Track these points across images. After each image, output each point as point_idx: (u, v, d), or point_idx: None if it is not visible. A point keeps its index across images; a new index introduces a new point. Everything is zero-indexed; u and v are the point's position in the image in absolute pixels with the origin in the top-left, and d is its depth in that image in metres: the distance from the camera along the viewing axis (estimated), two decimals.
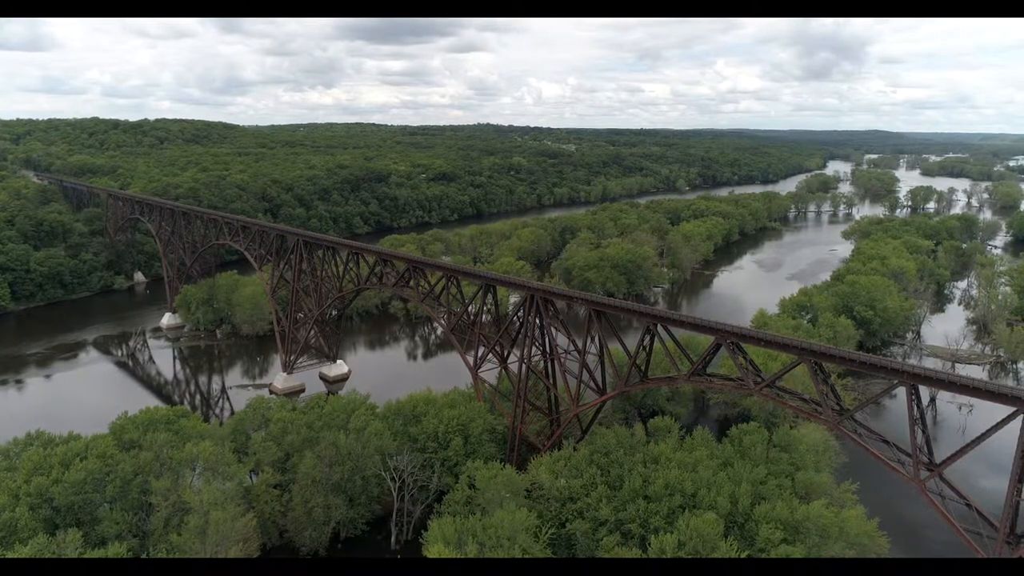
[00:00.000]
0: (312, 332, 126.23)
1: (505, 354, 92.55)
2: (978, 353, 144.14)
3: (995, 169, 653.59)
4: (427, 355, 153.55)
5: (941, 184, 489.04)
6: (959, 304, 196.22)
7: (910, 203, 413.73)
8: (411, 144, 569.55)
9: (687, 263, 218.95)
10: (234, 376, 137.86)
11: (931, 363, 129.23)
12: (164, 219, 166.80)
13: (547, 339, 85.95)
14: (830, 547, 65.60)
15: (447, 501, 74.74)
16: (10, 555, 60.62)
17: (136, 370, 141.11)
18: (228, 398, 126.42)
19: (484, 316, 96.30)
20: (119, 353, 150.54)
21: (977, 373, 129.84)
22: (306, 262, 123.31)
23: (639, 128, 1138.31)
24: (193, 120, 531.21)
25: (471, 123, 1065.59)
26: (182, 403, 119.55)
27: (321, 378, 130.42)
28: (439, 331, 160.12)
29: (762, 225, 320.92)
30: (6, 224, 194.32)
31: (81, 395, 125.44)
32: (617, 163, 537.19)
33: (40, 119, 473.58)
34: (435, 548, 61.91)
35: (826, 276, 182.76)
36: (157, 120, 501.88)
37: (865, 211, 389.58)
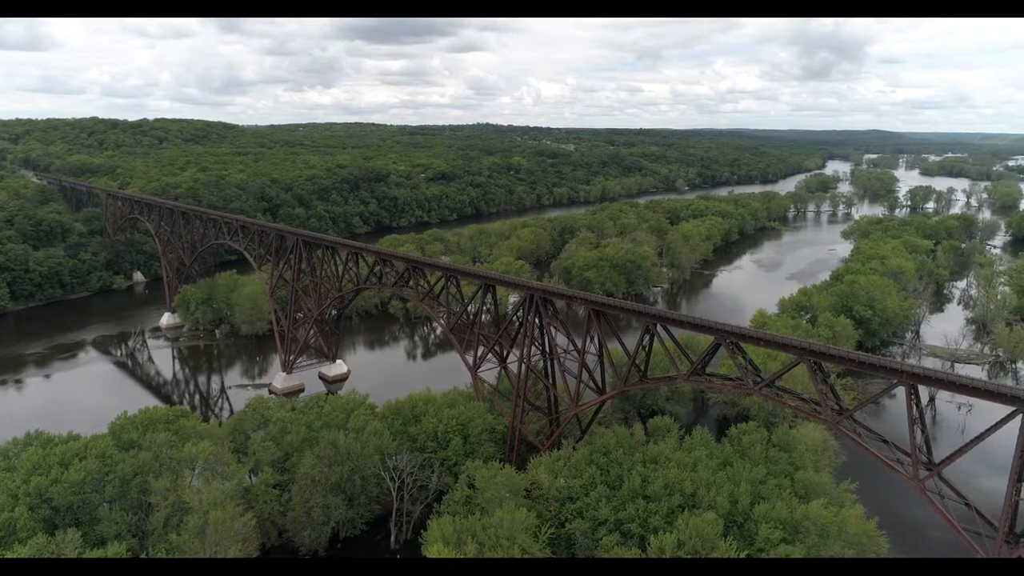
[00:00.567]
0: (311, 332, 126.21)
1: (504, 354, 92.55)
2: (977, 353, 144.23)
3: (994, 169, 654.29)
4: (426, 355, 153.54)
5: (940, 184, 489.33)
6: (958, 304, 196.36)
7: (909, 203, 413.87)
8: (410, 144, 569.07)
9: (686, 263, 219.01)
10: (233, 376, 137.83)
11: (930, 363, 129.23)
12: (163, 219, 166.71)
13: (546, 339, 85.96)
14: (829, 547, 65.63)
15: (446, 501, 74.72)
16: (9, 555, 60.60)
17: (135, 370, 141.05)
18: (227, 398, 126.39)
19: (483, 316, 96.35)
20: (118, 353, 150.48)
21: (976, 373, 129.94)
22: (305, 262, 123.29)
23: (638, 128, 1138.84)
24: (192, 120, 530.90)
25: (470, 123, 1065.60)
26: (181, 403, 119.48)
27: (320, 378, 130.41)
28: (438, 331, 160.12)
29: (761, 225, 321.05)
30: (5, 224, 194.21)
31: (80, 395, 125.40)
32: (616, 163, 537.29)
33: (39, 119, 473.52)
34: (434, 548, 61.89)
35: (825, 276, 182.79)
36: (156, 120, 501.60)
37: (864, 211, 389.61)
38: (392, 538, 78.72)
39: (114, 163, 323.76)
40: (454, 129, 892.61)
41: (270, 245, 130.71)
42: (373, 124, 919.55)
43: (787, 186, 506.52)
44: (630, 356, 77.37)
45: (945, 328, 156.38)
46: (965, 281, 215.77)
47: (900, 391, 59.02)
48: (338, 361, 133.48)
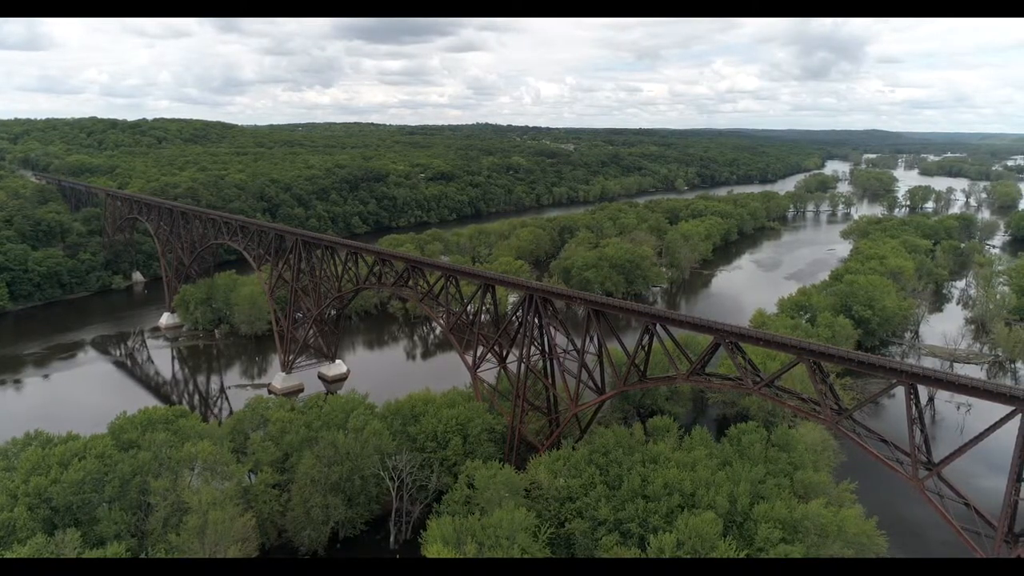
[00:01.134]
0: (311, 332, 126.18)
1: (504, 354, 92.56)
2: (976, 352, 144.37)
3: (993, 169, 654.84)
4: (426, 355, 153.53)
5: (939, 184, 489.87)
6: (957, 303, 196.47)
7: (908, 203, 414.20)
8: (410, 144, 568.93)
9: (686, 263, 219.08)
10: (233, 376, 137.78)
11: (929, 362, 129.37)
12: (162, 219, 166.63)
13: (546, 339, 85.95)
14: (829, 546, 65.67)
15: (446, 501, 74.69)
16: (8, 555, 60.58)
17: (134, 370, 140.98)
18: (227, 398, 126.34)
19: (483, 316, 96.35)
20: (117, 353, 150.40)
21: (975, 372, 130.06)
22: (305, 262, 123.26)
23: (638, 128, 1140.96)
24: (191, 120, 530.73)
25: (470, 123, 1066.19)
26: (181, 403, 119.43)
27: (320, 378, 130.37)
28: (438, 331, 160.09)
29: (761, 225, 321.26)
30: (4, 224, 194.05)
31: (79, 395, 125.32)
32: (616, 163, 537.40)
33: (38, 119, 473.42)
34: (434, 548, 61.91)
35: (824, 276, 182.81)
36: (155, 120, 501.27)
37: (863, 211, 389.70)
38: (391, 538, 78.73)
39: (113, 163, 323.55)
40: (453, 129, 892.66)
41: (269, 245, 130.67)
42: (372, 124, 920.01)
43: (786, 186, 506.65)
44: (629, 356, 77.38)
45: (944, 328, 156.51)
46: (964, 281, 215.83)
47: (899, 391, 59.05)
48: (337, 361, 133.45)
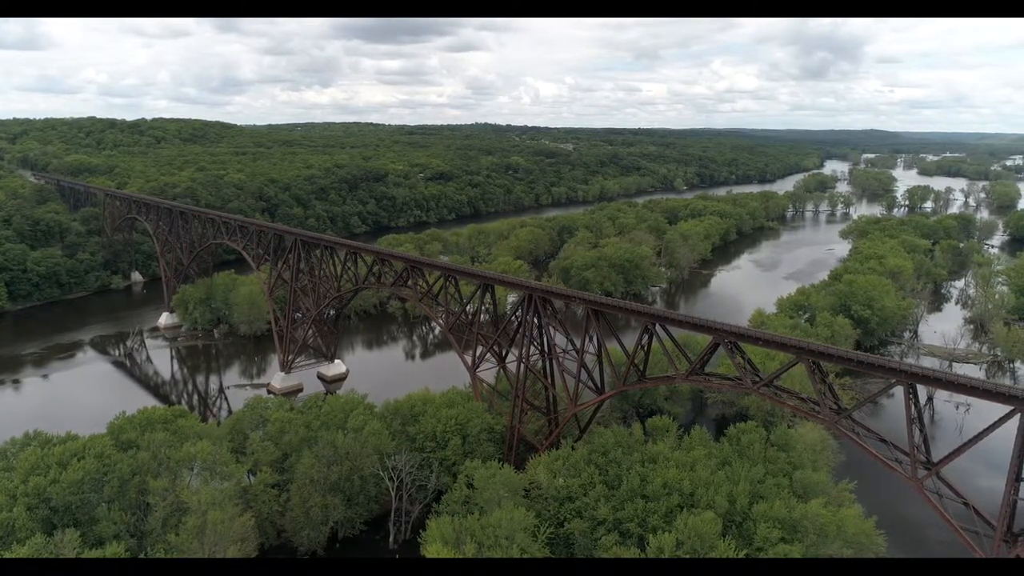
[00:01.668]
0: (310, 332, 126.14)
1: (503, 353, 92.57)
2: (975, 352, 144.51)
3: (992, 168, 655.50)
4: (425, 355, 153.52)
5: (938, 183, 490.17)
6: (956, 303, 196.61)
7: (907, 202, 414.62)
8: (409, 143, 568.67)
9: (685, 262, 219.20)
10: (232, 376, 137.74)
11: (928, 362, 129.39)
12: (161, 218, 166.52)
13: (545, 338, 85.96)
14: (828, 546, 65.72)
15: (445, 501, 74.66)
16: (7, 555, 60.53)
17: (133, 370, 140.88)
18: (226, 398, 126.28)
19: (482, 316, 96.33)
20: (116, 353, 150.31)
21: (974, 372, 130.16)
22: (304, 262, 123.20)
23: (636, 127, 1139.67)
24: (190, 119, 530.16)
25: (469, 122, 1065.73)
26: (180, 403, 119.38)
27: (319, 378, 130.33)
28: (437, 331, 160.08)
29: (760, 225, 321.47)
30: (3, 224, 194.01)
31: (78, 395, 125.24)
32: (615, 162, 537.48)
33: (36, 118, 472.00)
34: (433, 548, 61.92)
35: (823, 275, 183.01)
36: (154, 119, 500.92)
37: (862, 210, 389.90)
38: (391, 538, 78.73)
39: (112, 163, 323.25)
40: (452, 129, 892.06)
41: (268, 245, 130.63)
42: (371, 124, 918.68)
43: (785, 186, 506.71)
44: (629, 356, 77.41)
45: (943, 327, 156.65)
46: (963, 281, 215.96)
47: (898, 390, 59.09)
48: (336, 361, 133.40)
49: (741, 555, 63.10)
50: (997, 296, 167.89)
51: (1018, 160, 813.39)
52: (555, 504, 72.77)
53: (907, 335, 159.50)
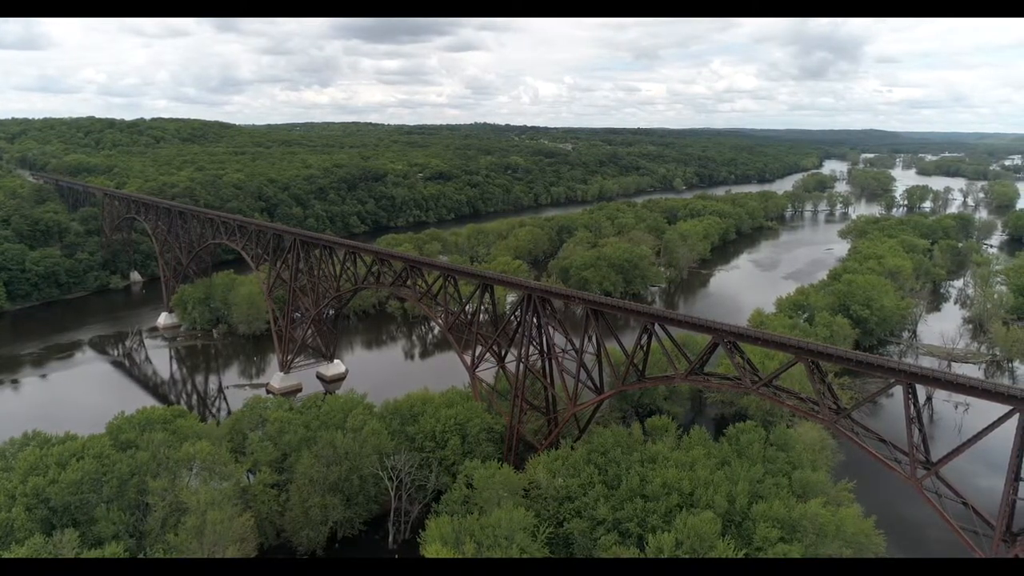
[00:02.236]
0: (309, 332, 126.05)
1: (503, 353, 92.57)
2: (974, 352, 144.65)
3: (991, 168, 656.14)
4: (424, 355, 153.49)
5: (937, 183, 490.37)
6: (955, 303, 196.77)
7: (906, 202, 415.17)
8: (408, 143, 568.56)
9: (684, 262, 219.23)
10: (231, 376, 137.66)
11: (927, 362, 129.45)
12: (160, 218, 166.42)
13: (544, 338, 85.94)
14: (827, 546, 65.76)
15: (445, 500, 74.67)
16: (7, 555, 60.49)
17: (133, 370, 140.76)
18: (225, 398, 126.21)
19: (481, 315, 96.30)
20: (115, 353, 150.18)
21: (973, 372, 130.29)
22: (303, 261, 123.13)
23: (636, 127, 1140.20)
24: (189, 119, 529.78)
25: (468, 122, 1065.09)
26: (179, 403, 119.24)
27: (318, 378, 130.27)
28: (436, 331, 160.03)
29: (759, 224, 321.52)
30: (1, 223, 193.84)
31: (77, 395, 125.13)
32: (614, 162, 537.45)
33: (35, 118, 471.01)
34: (433, 548, 61.92)
35: (823, 275, 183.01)
36: (153, 119, 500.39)
37: (861, 210, 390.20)
38: (390, 538, 78.72)
39: (111, 162, 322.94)
40: (452, 128, 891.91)
41: (267, 245, 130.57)
42: (370, 123, 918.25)
43: (784, 185, 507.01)
44: (628, 356, 77.41)
45: (942, 327, 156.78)
46: (962, 280, 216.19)
47: (897, 390, 59.12)
48: (336, 361, 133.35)
49: (740, 555, 63.14)
50: (996, 296, 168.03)
51: (1017, 160, 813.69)
52: (554, 504, 72.78)
53: (906, 335, 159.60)
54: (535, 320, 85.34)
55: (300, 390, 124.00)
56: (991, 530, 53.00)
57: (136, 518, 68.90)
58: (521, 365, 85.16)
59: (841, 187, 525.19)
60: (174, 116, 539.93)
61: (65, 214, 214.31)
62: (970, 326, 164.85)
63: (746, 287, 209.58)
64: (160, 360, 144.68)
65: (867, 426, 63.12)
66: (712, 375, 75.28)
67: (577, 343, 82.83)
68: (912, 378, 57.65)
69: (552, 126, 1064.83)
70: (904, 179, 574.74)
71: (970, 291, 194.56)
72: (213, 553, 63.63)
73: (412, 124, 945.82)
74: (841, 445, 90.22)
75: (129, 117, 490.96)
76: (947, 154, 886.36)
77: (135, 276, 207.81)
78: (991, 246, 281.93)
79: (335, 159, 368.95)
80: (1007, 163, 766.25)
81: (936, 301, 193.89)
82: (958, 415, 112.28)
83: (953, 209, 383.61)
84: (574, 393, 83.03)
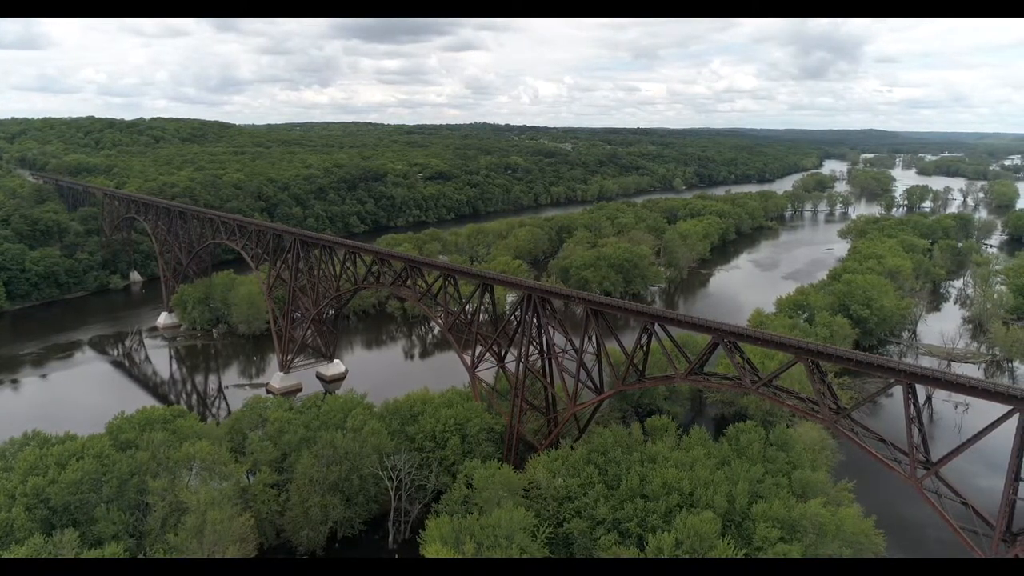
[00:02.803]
0: (309, 331, 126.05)
1: (502, 353, 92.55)
2: (974, 352, 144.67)
3: (990, 168, 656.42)
4: (424, 354, 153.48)
5: (937, 183, 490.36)
6: (955, 303, 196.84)
7: (906, 202, 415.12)
8: (408, 143, 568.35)
9: (684, 262, 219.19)
10: (231, 376, 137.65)
11: (927, 362, 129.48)
12: (160, 218, 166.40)
13: (544, 338, 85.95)
14: (827, 546, 65.77)
15: (444, 500, 74.69)
16: (6, 555, 60.46)
17: (132, 370, 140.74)
18: (225, 398, 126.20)
19: (481, 315, 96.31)
20: (115, 353, 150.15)
21: (973, 372, 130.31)
22: (303, 261, 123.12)
23: (636, 127, 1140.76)
24: (189, 119, 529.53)
25: (468, 122, 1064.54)
26: (179, 403, 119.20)
27: (318, 377, 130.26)
28: (436, 330, 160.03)
29: (759, 224, 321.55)
30: (1, 223, 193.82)
31: (77, 395, 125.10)
32: (614, 162, 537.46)
33: (35, 118, 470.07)
34: (432, 547, 61.91)
35: (822, 275, 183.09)
36: (153, 119, 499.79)
37: (861, 210, 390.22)
38: (390, 538, 78.72)
39: (111, 162, 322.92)
40: (451, 128, 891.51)
41: (267, 245, 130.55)
42: (370, 123, 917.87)
43: (784, 185, 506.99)
44: (628, 355, 77.41)
45: (942, 327, 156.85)
46: (962, 280, 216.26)
47: (897, 390, 59.14)
48: (335, 361, 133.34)
49: (740, 555, 63.17)
50: (996, 296, 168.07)
51: (1016, 160, 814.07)
52: (554, 504, 72.78)
53: (906, 335, 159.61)
54: (535, 320, 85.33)
55: (300, 390, 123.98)
56: (991, 530, 53.01)
57: (136, 518, 68.90)
58: (521, 365, 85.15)
59: (841, 187, 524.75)
60: (174, 116, 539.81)
61: (65, 214, 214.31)
62: (970, 326, 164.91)
63: (746, 287, 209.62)
64: (160, 360, 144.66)
65: (867, 426, 63.13)
66: (712, 375, 75.28)
67: (577, 343, 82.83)
68: (912, 378, 57.66)
69: (552, 126, 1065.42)
70: (904, 179, 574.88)
71: (970, 291, 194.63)
72: (213, 553, 63.63)
73: (412, 124, 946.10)
74: (841, 445, 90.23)
75: (129, 117, 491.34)
76: (947, 154, 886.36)
77: (135, 276, 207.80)
78: (991, 246, 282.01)
79: (335, 159, 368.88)
80: (1007, 163, 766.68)
81: (936, 301, 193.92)
82: (958, 415, 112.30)
83: (953, 209, 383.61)
84: (574, 393, 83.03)
